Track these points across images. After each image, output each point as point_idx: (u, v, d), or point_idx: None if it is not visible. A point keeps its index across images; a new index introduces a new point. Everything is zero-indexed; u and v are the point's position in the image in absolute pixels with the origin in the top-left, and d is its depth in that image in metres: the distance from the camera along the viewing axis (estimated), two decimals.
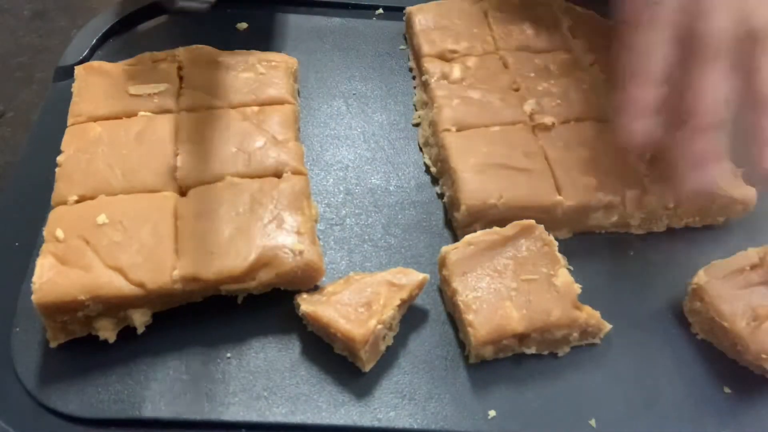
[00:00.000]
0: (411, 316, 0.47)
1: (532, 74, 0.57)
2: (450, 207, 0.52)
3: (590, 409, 0.44)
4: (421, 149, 0.56)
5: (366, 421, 0.42)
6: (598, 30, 0.61)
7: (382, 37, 0.64)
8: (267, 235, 0.45)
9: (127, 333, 0.44)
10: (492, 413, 0.43)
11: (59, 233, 0.44)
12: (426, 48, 0.59)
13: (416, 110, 0.59)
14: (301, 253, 0.44)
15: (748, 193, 0.51)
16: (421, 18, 0.61)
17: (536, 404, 0.44)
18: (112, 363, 0.44)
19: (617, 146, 0.48)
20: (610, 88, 0.54)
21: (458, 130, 0.53)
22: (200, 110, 0.52)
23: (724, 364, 0.46)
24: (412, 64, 0.62)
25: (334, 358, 0.45)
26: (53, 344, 0.43)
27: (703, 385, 0.45)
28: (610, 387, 0.45)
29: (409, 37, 0.63)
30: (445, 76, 0.56)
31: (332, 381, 0.44)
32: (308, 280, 0.45)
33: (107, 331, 0.43)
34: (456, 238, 0.50)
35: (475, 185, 0.49)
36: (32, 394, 0.42)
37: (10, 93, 0.63)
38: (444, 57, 0.58)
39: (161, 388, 0.43)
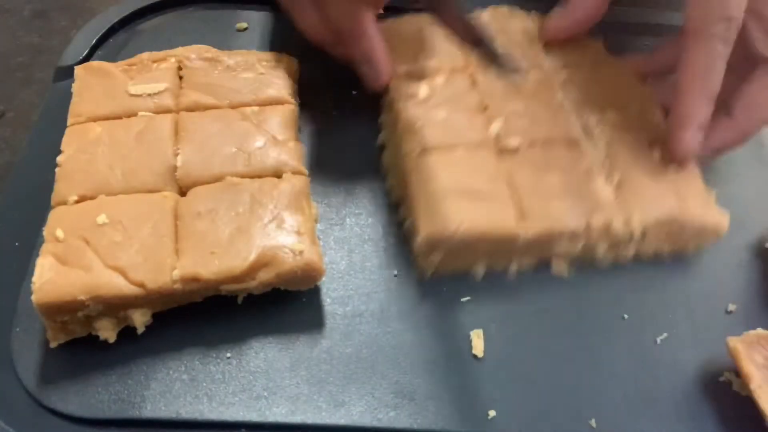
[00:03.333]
0: (411, 316, 0.47)
1: (502, 93, 0.53)
2: (409, 237, 0.49)
3: (590, 409, 0.44)
4: (384, 173, 0.54)
5: (366, 421, 0.42)
6: (572, 45, 0.58)
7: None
8: (267, 235, 0.45)
9: (127, 333, 0.44)
10: (492, 413, 0.43)
11: (59, 233, 0.44)
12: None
13: (381, 131, 0.56)
14: (301, 253, 0.44)
15: (720, 219, 0.49)
16: (386, 35, 0.56)
17: (536, 404, 0.44)
18: (112, 363, 0.44)
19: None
20: (582, 106, 0.53)
21: (422, 153, 0.50)
22: (200, 110, 0.52)
23: (725, 362, 0.46)
24: None
25: (335, 359, 0.45)
26: (53, 344, 0.43)
27: (704, 384, 0.45)
28: (610, 387, 0.45)
29: None
30: (411, 96, 0.53)
31: (332, 381, 0.44)
32: (308, 280, 0.45)
33: (107, 331, 0.43)
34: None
35: (434, 213, 0.47)
36: (32, 394, 0.42)
37: (10, 93, 0.63)
38: (411, 75, 0.55)
39: (161, 388, 0.43)
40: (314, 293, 0.47)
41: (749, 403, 0.43)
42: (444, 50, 0.56)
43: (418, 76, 0.55)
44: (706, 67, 0.47)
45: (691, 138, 0.48)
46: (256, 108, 0.52)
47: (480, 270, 0.49)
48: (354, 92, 0.59)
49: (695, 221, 0.49)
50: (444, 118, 0.52)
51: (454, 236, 0.46)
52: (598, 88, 0.55)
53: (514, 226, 0.47)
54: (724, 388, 0.45)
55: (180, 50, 0.55)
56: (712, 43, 0.46)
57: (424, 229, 0.46)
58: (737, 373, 0.44)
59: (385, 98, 0.56)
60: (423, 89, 0.53)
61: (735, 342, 0.44)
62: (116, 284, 0.42)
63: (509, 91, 0.53)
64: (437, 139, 0.50)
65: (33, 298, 0.41)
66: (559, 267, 0.49)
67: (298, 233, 0.45)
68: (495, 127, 0.51)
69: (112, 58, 0.58)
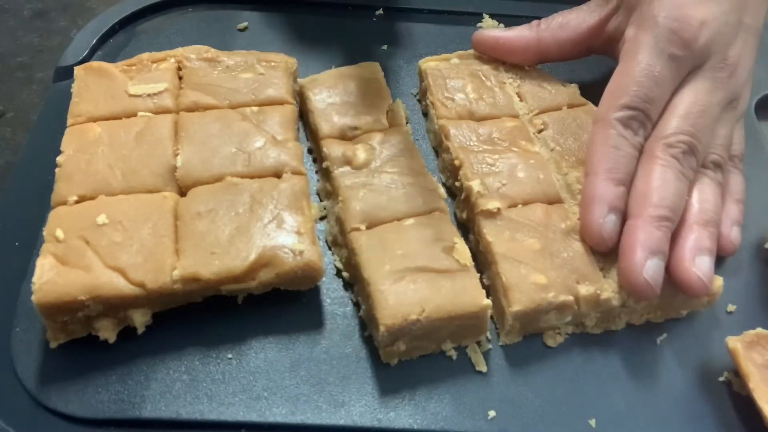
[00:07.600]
0: None
1: (476, 147, 0.50)
2: (368, 323, 0.45)
3: (590, 409, 0.44)
4: (330, 248, 0.50)
5: (366, 422, 0.42)
6: (548, 90, 0.55)
7: (382, 37, 0.64)
8: (267, 235, 0.45)
9: (127, 333, 0.44)
10: (492, 413, 0.43)
11: (59, 233, 0.44)
12: (325, 128, 0.52)
13: (320, 200, 0.52)
14: (301, 253, 0.44)
15: (714, 283, 0.46)
16: (316, 91, 0.54)
17: (536, 404, 0.44)
18: (112, 363, 0.44)
19: (581, 239, 0.47)
20: (560, 162, 0.51)
21: (368, 228, 0.46)
22: (200, 110, 0.52)
23: (724, 362, 0.46)
24: (310, 144, 0.55)
25: (335, 358, 0.45)
26: (53, 344, 0.43)
27: (703, 384, 0.45)
28: (609, 387, 0.45)
29: (304, 114, 0.56)
30: (347, 161, 0.49)
31: (332, 381, 0.44)
32: (308, 280, 0.45)
33: (107, 332, 0.43)
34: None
35: (393, 300, 0.42)
36: (32, 394, 0.42)
37: (10, 93, 0.63)
38: (344, 136, 0.51)
39: (161, 388, 0.43)
40: (314, 293, 0.47)
41: (749, 403, 0.43)
42: (378, 104, 0.53)
43: (352, 136, 0.52)
44: (606, 150, 0.47)
45: (597, 218, 0.45)
46: (255, 108, 0.52)
47: (451, 350, 0.45)
48: None
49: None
50: (387, 183, 0.48)
51: (419, 323, 0.42)
52: (577, 139, 0.52)
53: (480, 301, 0.43)
54: (723, 388, 0.45)
55: (180, 50, 0.55)
56: (610, 128, 0.48)
57: (385, 322, 0.42)
58: (737, 372, 0.44)
59: (320, 165, 0.53)
60: (360, 152, 0.50)
61: (734, 342, 0.44)
62: (116, 284, 0.42)
63: (483, 146, 0.51)
64: (384, 210, 0.47)
65: (33, 298, 0.41)
66: (550, 341, 0.46)
67: (298, 233, 0.45)
68: (476, 185, 0.48)
69: (112, 58, 0.58)
